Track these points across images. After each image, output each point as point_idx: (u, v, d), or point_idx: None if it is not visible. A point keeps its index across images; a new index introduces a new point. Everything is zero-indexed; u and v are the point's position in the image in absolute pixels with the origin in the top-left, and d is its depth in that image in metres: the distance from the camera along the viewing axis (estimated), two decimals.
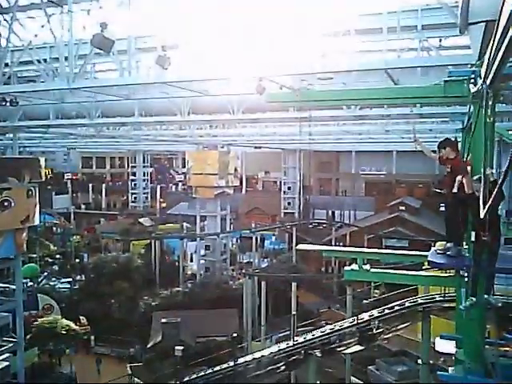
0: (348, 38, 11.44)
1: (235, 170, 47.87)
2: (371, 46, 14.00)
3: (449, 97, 7.05)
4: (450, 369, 7.73)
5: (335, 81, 13.42)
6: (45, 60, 12.85)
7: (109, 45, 9.74)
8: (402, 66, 11.17)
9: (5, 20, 11.10)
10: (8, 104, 14.13)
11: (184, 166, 62.85)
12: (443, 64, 10.27)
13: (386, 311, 23.84)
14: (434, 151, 8.38)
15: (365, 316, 23.92)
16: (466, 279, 6.69)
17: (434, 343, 15.66)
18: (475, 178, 5.52)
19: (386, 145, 42.98)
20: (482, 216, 4.57)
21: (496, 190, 4.01)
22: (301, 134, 26.81)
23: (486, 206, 4.35)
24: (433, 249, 8.27)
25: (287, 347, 23.38)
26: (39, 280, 41.98)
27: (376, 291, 34.37)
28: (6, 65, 12.10)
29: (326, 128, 27.42)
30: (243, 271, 38.69)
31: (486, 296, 5.69)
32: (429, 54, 11.78)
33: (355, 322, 23.63)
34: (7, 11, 10.98)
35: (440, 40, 13.07)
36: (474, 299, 5.70)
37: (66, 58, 11.05)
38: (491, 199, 4.25)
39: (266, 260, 50.38)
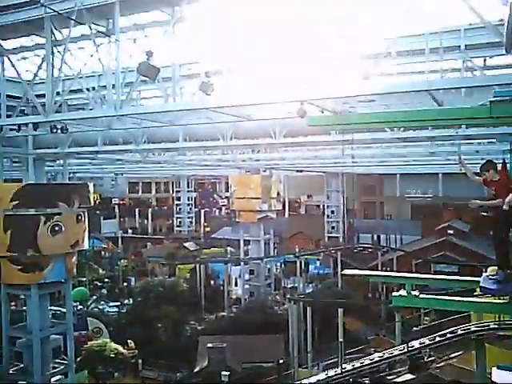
0: (390, 60, 11.40)
1: (278, 194, 47.85)
2: (413, 67, 13.90)
3: (495, 117, 6.86)
4: None
5: (377, 103, 13.34)
6: (93, 88, 13.40)
7: (154, 72, 10.06)
8: (445, 86, 10.96)
9: (58, 52, 11.67)
10: (59, 131, 14.75)
11: (227, 191, 63.45)
12: (489, 84, 10.05)
13: (438, 339, 23.01)
14: (478, 174, 8.26)
15: (415, 344, 23.15)
16: None
17: (489, 374, 14.98)
18: None
19: (432, 167, 42.10)
20: None
21: None
22: (344, 157, 26.64)
23: None
24: (484, 274, 8.01)
25: (335, 375, 22.84)
26: (89, 303, 42.84)
27: (426, 318, 33.28)
28: (58, 93, 12.66)
29: (369, 151, 27.16)
30: (288, 296, 38.31)
31: None
32: (473, 74, 11.57)
33: (405, 350, 22.90)
34: (60, 43, 11.57)
35: (484, 60, 12.82)
36: None
37: (113, 86, 11.48)
38: None
39: (310, 285, 49.77)
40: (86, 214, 22.00)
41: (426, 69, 10.50)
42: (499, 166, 8.46)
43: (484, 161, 8.31)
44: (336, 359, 25.06)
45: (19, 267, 20.22)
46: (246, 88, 11.45)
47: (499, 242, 7.64)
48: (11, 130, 17.17)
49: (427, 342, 23.00)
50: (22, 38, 13.36)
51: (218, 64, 11.70)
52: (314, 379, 23.38)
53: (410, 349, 22.82)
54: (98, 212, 67.72)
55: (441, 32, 10.48)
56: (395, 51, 11.22)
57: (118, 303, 44.08)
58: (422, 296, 9.09)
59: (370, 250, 52.76)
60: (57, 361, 22.25)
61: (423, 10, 10.21)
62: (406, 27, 11.59)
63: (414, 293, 8.59)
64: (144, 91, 17.32)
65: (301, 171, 48.80)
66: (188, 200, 77.05)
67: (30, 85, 12.95)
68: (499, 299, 8.28)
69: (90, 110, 12.99)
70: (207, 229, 76.15)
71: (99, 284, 49.94)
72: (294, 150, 29.01)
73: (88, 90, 12.61)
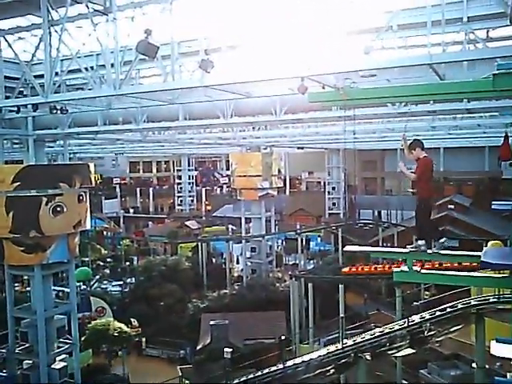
0: (391, 34, 11.23)
1: (279, 171, 47.82)
2: (415, 40, 13.71)
3: (498, 90, 6.79)
4: (508, 374, 7.49)
5: (378, 78, 13.19)
6: (92, 68, 13.27)
7: (154, 51, 9.95)
8: (447, 60, 10.85)
9: (55, 31, 11.54)
10: (58, 112, 14.67)
11: (228, 169, 63.40)
12: (491, 57, 9.93)
13: (438, 313, 23.27)
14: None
15: (416, 318, 23.40)
16: None
17: (488, 347, 15.24)
18: None
19: (433, 141, 41.96)
20: None
21: None
22: (345, 133, 26.54)
23: None
24: (485, 248, 8.06)
25: (336, 350, 23.11)
26: (92, 283, 43.19)
27: (426, 293, 33.55)
28: (56, 74, 12.55)
29: (371, 126, 27.04)
30: (290, 273, 38.64)
31: None
32: (475, 47, 11.41)
33: (406, 325, 23.16)
34: (57, 23, 11.43)
35: (487, 31, 12.63)
36: None
37: (112, 65, 11.36)
38: None
39: (311, 261, 50.12)
40: (88, 194, 22.01)
41: (427, 42, 10.32)
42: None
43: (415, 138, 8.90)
44: (337, 335, 25.35)
45: (22, 248, 20.30)
46: (246, 65, 11.31)
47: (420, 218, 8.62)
48: (10, 111, 17.09)
49: (427, 316, 23.25)
50: (18, 17, 13.18)
51: (217, 41, 11.55)
52: (315, 354, 23.67)
53: (410, 323, 23.06)
54: (99, 192, 67.80)
55: (443, 4, 10.28)
56: (396, 25, 11.05)
57: (121, 282, 44.41)
58: (423, 271, 9.11)
59: (370, 225, 53.01)
60: (61, 340, 22.54)
61: None
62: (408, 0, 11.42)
63: (415, 268, 8.59)
64: (143, 70, 17.15)
65: (302, 148, 48.69)
66: (189, 178, 77.05)
67: (27, 65, 12.83)
68: (499, 273, 8.34)
69: (89, 89, 12.88)
70: (208, 207, 76.43)
71: (102, 264, 50.30)
72: (295, 126, 28.85)
73: (87, 69, 12.47)
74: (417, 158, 8.57)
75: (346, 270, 37.51)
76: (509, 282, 7.73)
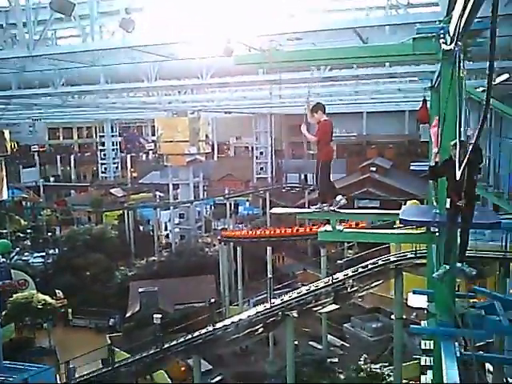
0: None
1: (206, 136, 47.47)
2: (340, 4, 13.82)
3: (418, 54, 6.98)
4: (422, 322, 7.99)
5: (304, 41, 13.24)
6: (1, 26, 12.28)
7: (69, 8, 9.31)
8: (370, 24, 11.07)
9: None
10: None
11: (154, 134, 61.98)
12: (411, 21, 10.20)
13: (360, 270, 24.44)
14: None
15: (339, 276, 24.45)
16: (438, 234, 6.78)
17: (406, 299, 16.24)
18: (452, 143, 5.27)
19: (356, 106, 43.02)
20: (457, 178, 4.50)
21: (470, 151, 4.02)
22: (271, 98, 26.61)
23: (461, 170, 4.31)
24: (404, 207, 8.40)
25: (264, 310, 23.76)
26: (11, 256, 41.45)
27: (350, 251, 35.05)
28: None
29: (296, 91, 27.24)
30: (218, 238, 39.02)
31: (459, 265, 5.70)
32: (397, 12, 11.68)
33: (330, 282, 24.15)
34: None
35: None
36: (447, 267, 5.72)
37: (25, 24, 10.57)
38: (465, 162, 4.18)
39: (240, 225, 50.76)
40: (3, 162, 20.85)
41: (351, 6, 10.46)
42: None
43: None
44: (265, 295, 26.06)
45: None
46: (170, 26, 10.92)
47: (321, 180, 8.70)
48: None
49: (350, 273, 24.35)
50: None
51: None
52: (244, 315, 24.24)
53: (334, 281, 24.07)
54: (16, 160, 64.49)
55: None
56: None
57: (43, 254, 42.99)
58: (345, 230, 9.41)
59: (297, 189, 54.28)
60: None
61: None
62: None
63: (338, 227, 8.82)
64: (60, 30, 16.10)
65: (229, 113, 48.44)
66: (113, 145, 74.53)
67: None
68: (416, 230, 8.77)
69: (0, 50, 11.96)
70: (134, 174, 74.81)
71: (22, 235, 48.39)
72: (222, 90, 28.52)
73: None
74: (318, 121, 8.72)
75: (224, 233, 39.88)
76: (425, 238, 8.13)
